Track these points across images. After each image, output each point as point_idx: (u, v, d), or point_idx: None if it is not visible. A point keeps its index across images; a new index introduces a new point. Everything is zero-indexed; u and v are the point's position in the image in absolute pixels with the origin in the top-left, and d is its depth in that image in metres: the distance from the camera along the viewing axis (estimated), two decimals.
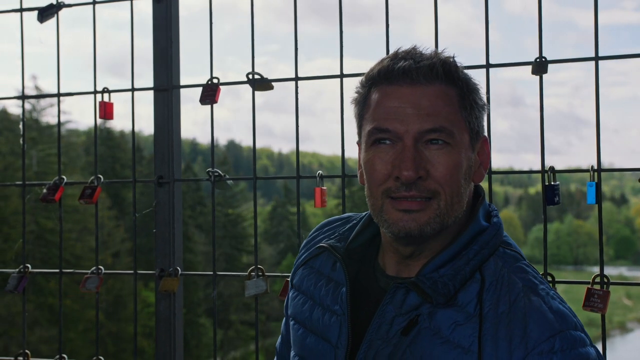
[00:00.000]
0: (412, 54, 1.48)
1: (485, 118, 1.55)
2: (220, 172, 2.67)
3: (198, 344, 35.40)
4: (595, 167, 2.25)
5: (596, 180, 2.25)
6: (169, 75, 2.75)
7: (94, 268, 2.83)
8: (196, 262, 35.01)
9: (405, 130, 1.43)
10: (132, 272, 2.84)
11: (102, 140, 38.20)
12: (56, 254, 28.05)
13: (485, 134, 1.57)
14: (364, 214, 1.69)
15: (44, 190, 2.84)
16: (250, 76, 2.63)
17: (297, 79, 2.59)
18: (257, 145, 2.69)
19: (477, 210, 1.51)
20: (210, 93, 2.65)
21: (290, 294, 1.74)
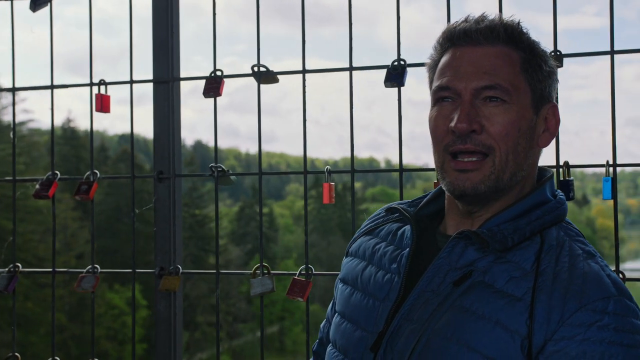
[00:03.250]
0: (477, 18, 1.52)
1: (554, 84, 1.56)
2: (223, 167, 2.59)
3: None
4: (611, 162, 2.22)
5: (612, 175, 2.22)
6: (170, 67, 2.67)
7: (89, 267, 2.74)
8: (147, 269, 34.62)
9: (463, 87, 1.47)
10: (130, 270, 2.74)
11: (66, 139, 37.67)
12: (18, 255, 27.55)
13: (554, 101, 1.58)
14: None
15: (37, 186, 2.73)
16: (256, 69, 2.56)
17: (304, 71, 2.52)
18: (224, 146, 2.74)
19: (544, 183, 1.53)
20: (214, 86, 2.57)
21: (344, 261, 1.75)
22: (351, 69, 2.48)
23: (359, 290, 1.59)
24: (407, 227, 1.62)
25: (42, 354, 27.38)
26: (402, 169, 2.43)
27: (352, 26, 2.49)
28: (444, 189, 1.53)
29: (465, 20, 1.53)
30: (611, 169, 2.21)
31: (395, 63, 2.40)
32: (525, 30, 1.52)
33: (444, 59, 1.54)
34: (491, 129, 1.45)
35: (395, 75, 2.38)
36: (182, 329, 2.71)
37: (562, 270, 1.37)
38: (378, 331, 1.47)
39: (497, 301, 1.36)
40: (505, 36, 1.48)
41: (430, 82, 1.59)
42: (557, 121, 1.56)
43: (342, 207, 45.03)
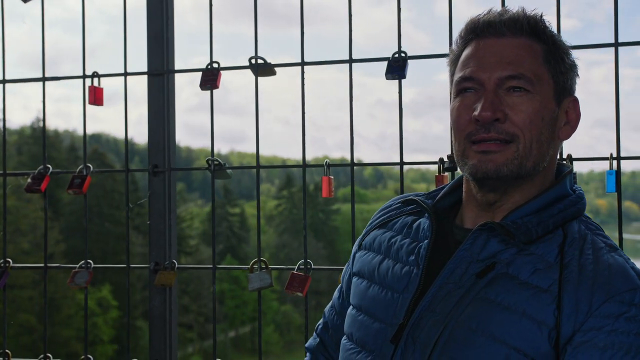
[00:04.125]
0: (499, 11, 1.53)
1: (575, 78, 1.56)
2: (220, 160, 2.56)
3: (135, 346, 34.82)
4: (615, 155, 2.23)
5: (615, 168, 2.23)
6: (165, 59, 2.63)
7: (82, 262, 2.69)
8: (133, 264, 34.31)
9: (487, 77, 1.47)
10: (124, 265, 2.70)
11: (35, 138, 37.20)
12: None
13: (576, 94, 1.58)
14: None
15: (29, 180, 2.68)
16: (253, 61, 2.53)
17: (303, 63, 2.50)
18: (195, 146, 2.67)
19: (564, 177, 1.53)
20: (211, 78, 2.54)
21: (358, 255, 1.72)
22: (351, 61, 2.46)
23: (376, 284, 1.58)
24: (423, 220, 1.61)
25: (13, 355, 26.96)
26: (402, 162, 2.42)
27: (351, 20, 2.47)
28: (466, 174, 1.52)
29: (488, 12, 1.53)
30: (615, 162, 2.22)
31: (396, 55, 2.39)
32: (548, 24, 1.52)
33: (466, 51, 1.53)
34: (515, 118, 1.44)
35: (397, 67, 2.37)
36: (177, 325, 2.67)
37: (587, 262, 1.37)
38: (398, 323, 1.46)
39: (522, 292, 1.36)
40: (529, 28, 1.49)
41: (452, 75, 1.59)
42: (578, 115, 1.56)
43: (313, 207, 45.06)
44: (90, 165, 2.67)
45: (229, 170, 2.58)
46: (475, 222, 1.53)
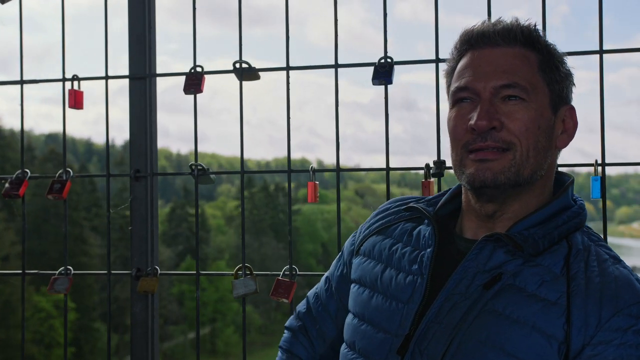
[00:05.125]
0: (493, 22, 1.54)
1: (571, 87, 1.57)
2: (204, 165, 2.53)
3: (92, 349, 34.36)
4: (600, 162, 2.26)
5: (600, 174, 2.26)
6: (147, 63, 2.59)
7: (62, 268, 2.64)
8: (92, 265, 33.93)
9: (482, 86, 1.47)
10: (105, 272, 2.65)
11: None
12: None
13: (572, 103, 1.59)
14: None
15: (6, 185, 2.62)
16: (238, 65, 2.51)
17: (288, 68, 2.49)
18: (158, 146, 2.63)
19: (567, 188, 1.54)
20: (194, 82, 2.51)
21: (356, 261, 1.71)
22: (337, 66, 2.46)
23: (380, 293, 1.57)
24: (423, 227, 1.61)
25: None
26: (388, 168, 2.42)
27: (337, 24, 2.46)
28: (463, 183, 1.52)
29: (482, 23, 1.55)
30: (600, 168, 2.24)
31: (382, 60, 2.39)
32: (541, 33, 1.54)
33: (462, 62, 1.54)
34: (511, 126, 1.45)
35: (384, 73, 2.37)
36: (158, 332, 2.64)
37: (593, 274, 1.38)
38: (404, 334, 1.45)
39: (531, 305, 1.36)
40: (523, 38, 1.50)
41: (448, 87, 1.59)
42: (575, 123, 1.57)
43: (274, 207, 44.96)
44: (70, 170, 2.62)
45: (212, 175, 2.56)
46: (476, 233, 1.54)
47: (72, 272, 2.63)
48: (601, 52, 2.25)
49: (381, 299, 1.55)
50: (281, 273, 2.47)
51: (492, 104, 1.46)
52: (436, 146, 2.38)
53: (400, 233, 1.65)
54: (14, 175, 2.63)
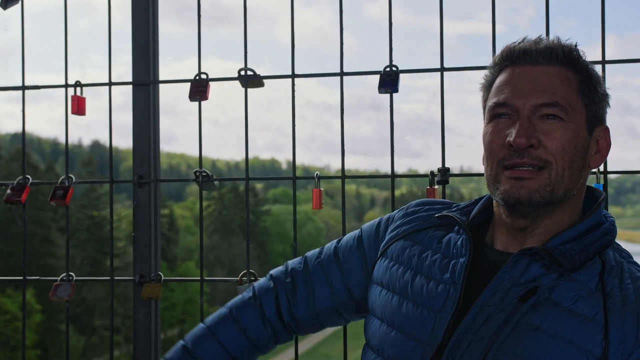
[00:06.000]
0: (534, 39, 1.56)
1: (606, 108, 1.59)
2: (208, 172, 2.54)
3: (58, 351, 33.92)
4: (602, 170, 2.31)
5: (602, 182, 2.31)
6: (151, 69, 2.59)
7: (63, 275, 2.62)
8: (59, 267, 33.49)
9: (522, 104, 1.49)
10: (108, 278, 2.65)
11: None
12: None
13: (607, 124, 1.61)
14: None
15: (8, 191, 2.60)
16: (243, 72, 2.52)
17: (293, 75, 2.51)
18: (123, 146, 2.65)
19: (599, 204, 1.56)
20: (200, 89, 2.52)
21: (383, 264, 1.71)
22: (342, 74, 2.48)
23: (410, 300, 1.57)
24: (453, 235, 1.62)
25: None
26: (393, 175, 2.45)
27: (342, 34, 2.49)
28: (497, 199, 1.53)
29: (523, 40, 1.56)
30: (602, 176, 2.30)
31: (388, 69, 2.42)
32: (582, 53, 1.55)
33: (501, 77, 1.56)
34: (548, 144, 1.46)
35: (390, 81, 2.40)
36: (160, 338, 2.64)
37: (629, 292, 1.40)
38: (437, 343, 1.47)
39: (569, 320, 1.38)
40: (564, 57, 1.52)
41: (485, 100, 1.61)
42: (609, 144, 1.59)
43: (243, 208, 44.72)
44: (72, 176, 2.61)
45: (215, 182, 2.57)
46: (506, 246, 1.56)
47: (75, 278, 2.61)
48: (603, 62, 2.30)
49: (412, 307, 1.56)
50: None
51: (530, 122, 1.47)
52: (441, 153, 2.41)
53: (429, 240, 1.66)
54: (15, 182, 2.62)
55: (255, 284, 1.88)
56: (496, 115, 1.53)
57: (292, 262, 1.89)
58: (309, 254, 1.89)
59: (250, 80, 2.52)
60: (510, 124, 1.49)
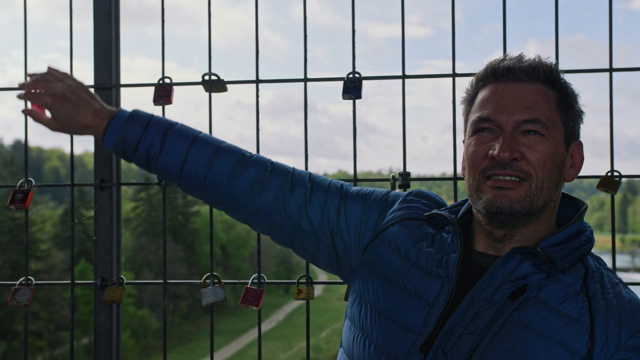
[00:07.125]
0: (517, 57, 1.64)
1: (581, 124, 1.68)
2: None
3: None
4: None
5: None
6: (114, 72, 2.59)
7: (22, 279, 2.59)
8: None
9: (505, 120, 1.57)
10: (69, 282, 2.63)
11: None
12: None
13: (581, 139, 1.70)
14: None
15: (12, 195, 2.57)
16: (207, 77, 2.54)
17: (257, 81, 2.54)
18: (47, 146, 2.68)
19: (582, 214, 1.65)
20: (164, 93, 2.52)
21: (378, 247, 1.75)
22: (306, 80, 2.52)
23: (404, 290, 1.63)
24: (443, 234, 1.69)
25: None
26: (356, 179, 2.51)
27: (306, 39, 2.53)
28: (479, 209, 1.60)
29: (506, 58, 1.64)
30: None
31: (351, 75, 2.47)
32: (560, 71, 1.64)
33: (484, 92, 1.64)
34: (530, 157, 1.55)
35: (353, 87, 2.46)
36: (121, 342, 2.63)
37: (610, 296, 1.50)
38: (428, 332, 1.53)
39: (557, 320, 1.47)
40: (545, 76, 1.60)
41: (466, 114, 1.69)
42: (582, 158, 1.69)
43: (172, 209, 44.28)
44: (32, 180, 2.58)
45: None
46: (486, 249, 1.64)
47: (34, 282, 2.58)
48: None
49: (406, 296, 1.61)
50: (250, 281, 2.52)
51: (513, 137, 1.56)
52: (402, 157, 2.48)
53: (423, 234, 1.72)
54: (17, 185, 2.57)
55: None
56: (479, 129, 1.61)
57: (316, 176, 1.95)
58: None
59: (214, 84, 2.54)
60: (493, 138, 1.58)
